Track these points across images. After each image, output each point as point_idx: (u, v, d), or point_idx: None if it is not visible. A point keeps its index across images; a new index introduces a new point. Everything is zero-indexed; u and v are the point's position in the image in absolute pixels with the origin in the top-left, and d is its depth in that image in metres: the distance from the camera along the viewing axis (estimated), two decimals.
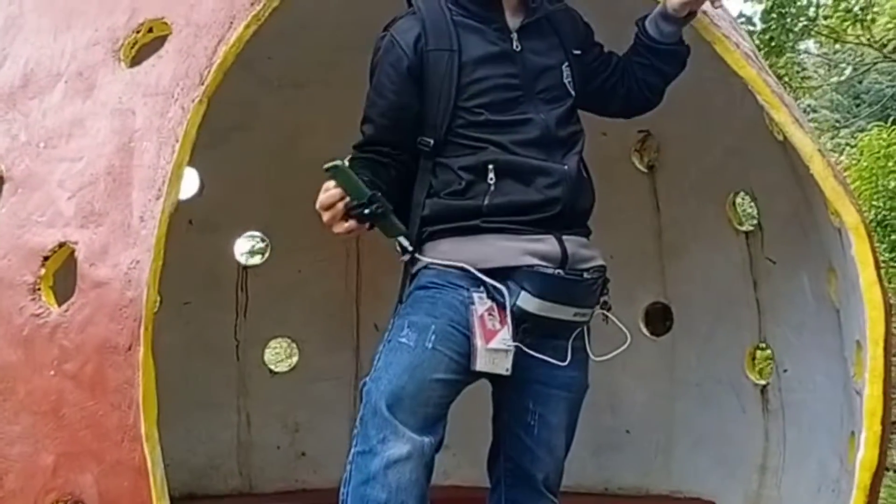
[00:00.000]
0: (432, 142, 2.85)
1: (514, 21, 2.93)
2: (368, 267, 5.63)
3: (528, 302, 2.76)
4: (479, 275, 2.77)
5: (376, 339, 5.65)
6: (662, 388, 4.88)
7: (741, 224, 4.67)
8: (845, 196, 3.11)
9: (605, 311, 2.97)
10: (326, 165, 2.61)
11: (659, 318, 4.97)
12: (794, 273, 4.24)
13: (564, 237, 2.82)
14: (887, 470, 5.72)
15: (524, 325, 2.79)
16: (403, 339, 2.75)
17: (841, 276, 3.60)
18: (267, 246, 5.86)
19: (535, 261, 2.76)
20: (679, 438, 4.68)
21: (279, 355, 7.33)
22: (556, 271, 2.77)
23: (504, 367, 2.74)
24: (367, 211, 2.60)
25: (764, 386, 4.58)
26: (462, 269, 2.78)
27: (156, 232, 2.89)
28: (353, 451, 2.72)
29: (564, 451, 2.99)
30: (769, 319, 4.51)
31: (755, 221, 4.59)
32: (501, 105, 2.82)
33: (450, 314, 2.75)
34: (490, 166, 2.79)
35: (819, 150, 3.10)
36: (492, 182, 2.79)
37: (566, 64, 2.95)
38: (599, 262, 2.91)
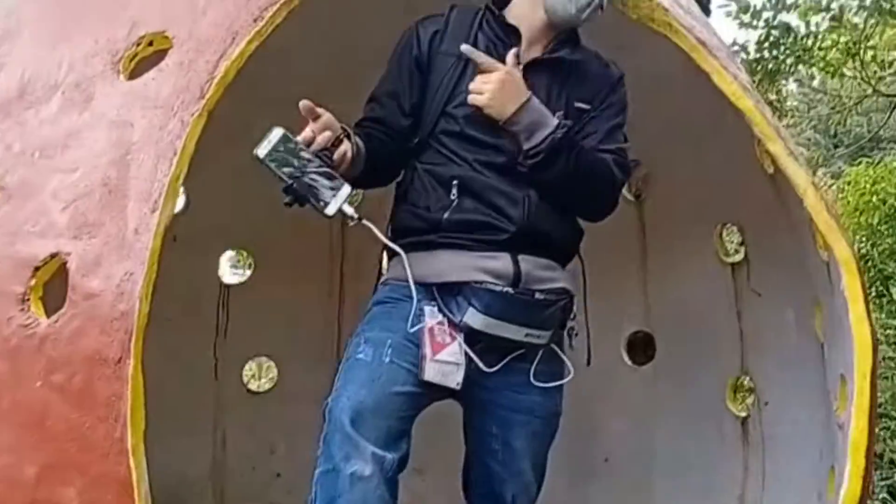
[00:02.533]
0: (417, 140, 2.93)
1: (528, 54, 2.96)
2: (352, 288, 5.62)
3: (474, 318, 2.78)
4: (433, 290, 2.82)
5: None
6: (643, 417, 4.88)
7: (728, 255, 4.70)
8: (838, 230, 3.14)
9: (569, 335, 2.99)
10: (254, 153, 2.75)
11: (641, 347, 4.98)
12: (779, 306, 4.27)
13: (521, 257, 2.83)
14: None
15: (479, 344, 2.81)
16: (361, 356, 2.79)
17: (827, 310, 3.62)
18: (250, 264, 5.84)
19: (485, 277, 2.78)
20: (658, 468, 4.68)
21: (258, 375, 7.29)
22: (505, 289, 2.79)
23: (454, 380, 2.76)
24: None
25: (745, 418, 4.59)
26: (417, 283, 2.81)
27: (150, 245, 2.88)
28: (317, 471, 2.73)
29: (534, 478, 2.99)
30: (752, 351, 4.53)
31: (742, 254, 4.61)
32: (480, 123, 2.83)
33: (405, 327, 2.78)
34: (454, 182, 2.84)
35: (813, 184, 3.13)
36: (454, 198, 2.84)
37: (561, 112, 2.93)
38: (559, 284, 2.90)
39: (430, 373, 2.74)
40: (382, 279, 2.98)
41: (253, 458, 5.45)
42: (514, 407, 2.91)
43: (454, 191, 2.83)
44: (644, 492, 4.85)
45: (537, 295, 2.83)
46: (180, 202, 5.15)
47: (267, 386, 5.94)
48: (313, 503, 2.72)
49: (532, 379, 2.91)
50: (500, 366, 2.87)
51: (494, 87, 2.78)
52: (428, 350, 2.74)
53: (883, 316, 8.30)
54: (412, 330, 2.78)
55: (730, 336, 4.59)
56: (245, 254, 5.91)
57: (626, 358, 4.95)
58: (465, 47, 2.83)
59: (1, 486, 3.00)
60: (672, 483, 4.72)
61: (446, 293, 2.82)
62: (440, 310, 2.80)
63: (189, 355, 5.32)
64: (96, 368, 2.87)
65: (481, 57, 2.83)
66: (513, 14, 3.00)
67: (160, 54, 3.10)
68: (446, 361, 2.75)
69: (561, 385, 3.00)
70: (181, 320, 5.27)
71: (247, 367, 5.87)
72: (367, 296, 5.55)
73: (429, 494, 5.03)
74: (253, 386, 6.09)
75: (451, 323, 2.79)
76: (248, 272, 5.80)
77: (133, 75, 3.13)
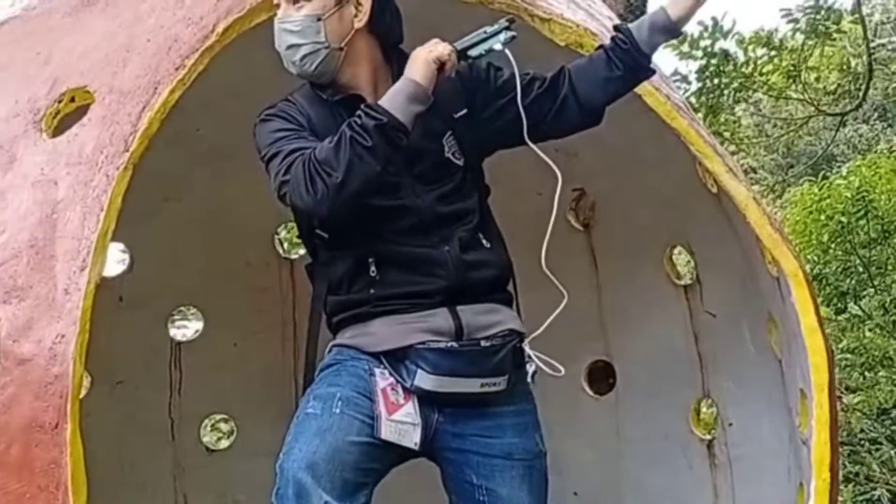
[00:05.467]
0: (327, 235, 2.83)
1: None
2: (305, 338, 5.54)
3: (424, 380, 2.71)
4: (379, 356, 2.76)
5: None
6: (608, 447, 4.83)
7: (679, 278, 4.68)
8: (783, 243, 3.13)
9: (532, 379, 2.89)
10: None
11: (602, 377, 4.93)
12: (734, 325, 4.26)
13: (459, 308, 2.77)
14: None
15: (436, 400, 2.75)
16: (310, 410, 2.73)
17: (781, 325, 3.61)
18: (200, 320, 5.75)
19: (427, 337, 2.72)
20: (628, 497, 4.62)
21: (216, 433, 7.18)
22: (450, 344, 2.72)
23: (412, 440, 2.71)
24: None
25: (710, 441, 4.55)
26: (362, 351, 2.77)
27: (81, 304, 2.81)
28: None
29: None
30: (712, 373, 4.50)
31: (693, 275, 4.60)
32: (381, 192, 2.72)
33: (354, 381, 2.74)
34: (370, 259, 2.77)
35: (754, 198, 3.12)
36: (374, 274, 2.77)
37: (448, 134, 2.85)
38: (506, 326, 2.82)
39: (386, 432, 2.68)
40: (329, 345, 2.90)
41: None
42: (490, 452, 2.80)
43: (372, 267, 2.77)
44: None
45: (483, 343, 2.75)
46: (124, 263, 5.09)
47: (225, 444, 5.82)
48: None
49: (500, 421, 2.82)
50: (464, 414, 2.79)
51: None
52: (382, 409, 2.69)
53: (845, 338, 8.35)
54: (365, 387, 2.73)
55: (688, 359, 4.57)
56: (194, 310, 5.81)
57: (587, 388, 4.89)
58: None
59: None
60: None
61: (392, 359, 2.75)
62: (391, 374, 2.75)
63: (144, 417, 5.23)
64: (33, 435, 2.80)
65: None
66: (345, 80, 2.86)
67: (82, 109, 3.06)
68: (402, 421, 2.70)
69: (537, 422, 2.92)
70: (134, 382, 5.20)
71: (203, 424, 5.77)
72: (322, 345, 5.51)
73: None
74: (211, 444, 5.97)
75: (402, 387, 2.74)
76: (199, 329, 5.71)
77: (56, 132, 3.09)
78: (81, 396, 2.84)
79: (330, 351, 2.88)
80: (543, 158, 2.79)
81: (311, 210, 2.64)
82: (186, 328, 6.28)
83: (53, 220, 2.89)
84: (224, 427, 6.82)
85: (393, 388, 2.73)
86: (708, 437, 4.60)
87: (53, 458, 2.76)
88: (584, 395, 4.87)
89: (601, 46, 2.90)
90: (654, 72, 2.92)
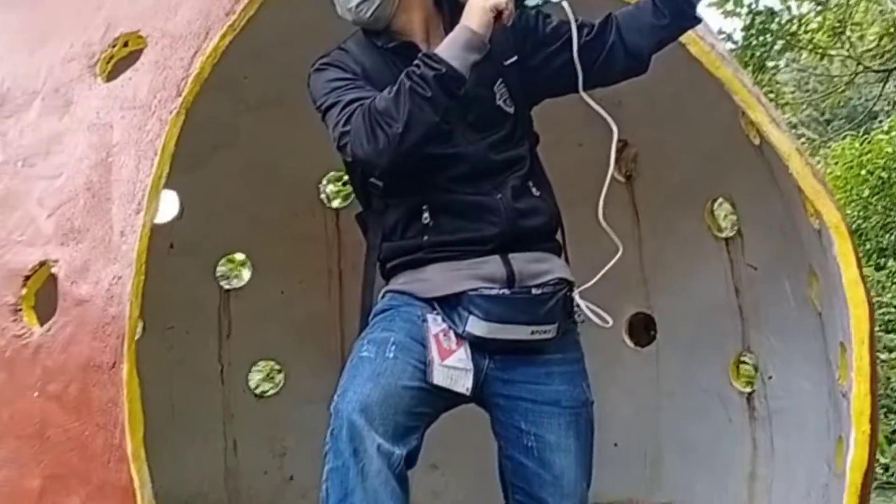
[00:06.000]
0: (382, 184, 2.84)
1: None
2: (351, 285, 5.60)
3: (476, 326, 2.73)
4: (433, 302, 2.78)
5: None
6: (648, 399, 4.87)
7: (721, 231, 4.67)
8: (825, 195, 3.12)
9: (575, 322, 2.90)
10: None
11: (642, 329, 4.96)
12: (775, 278, 4.24)
13: (511, 255, 2.78)
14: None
15: (486, 347, 2.78)
16: (364, 354, 2.75)
17: (822, 278, 3.60)
18: (249, 268, 5.84)
19: (479, 284, 2.74)
20: (667, 450, 4.66)
21: (264, 378, 7.28)
22: (502, 291, 2.74)
23: (464, 385, 2.73)
24: None
25: (749, 394, 4.56)
26: (415, 297, 2.80)
27: (137, 246, 2.86)
28: (326, 468, 2.68)
29: (579, 474, 2.89)
30: (752, 326, 4.50)
31: (735, 228, 4.59)
32: (435, 140, 2.73)
33: (407, 327, 2.76)
34: (424, 206, 2.80)
35: (797, 150, 3.11)
36: (427, 221, 2.80)
37: (499, 82, 2.87)
38: (556, 275, 2.84)
39: (439, 377, 2.69)
40: (382, 290, 2.92)
41: (264, 463, 5.44)
42: (539, 399, 2.83)
43: (426, 215, 2.80)
44: (654, 475, 4.84)
45: (534, 290, 2.77)
46: (174, 209, 5.17)
47: (273, 390, 5.92)
48: (325, 502, 2.68)
49: (550, 368, 2.85)
50: (514, 361, 2.82)
51: None
52: (435, 355, 2.71)
53: (889, 295, 8.27)
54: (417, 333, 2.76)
55: (729, 312, 4.56)
56: (242, 257, 5.90)
57: (627, 341, 4.92)
58: None
59: (5, 499, 2.99)
60: (682, 464, 4.70)
61: (445, 305, 2.77)
62: (443, 320, 2.77)
63: (194, 363, 5.34)
64: (91, 375, 2.85)
65: None
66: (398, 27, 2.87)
67: (135, 54, 3.10)
68: (454, 367, 2.71)
69: (584, 371, 2.94)
70: (183, 328, 5.29)
71: (252, 371, 5.87)
72: None
73: (445, 490, 5.03)
74: (260, 390, 6.08)
75: (454, 333, 2.76)
76: (247, 276, 5.80)
77: (110, 77, 3.13)
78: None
79: (383, 296, 2.90)
80: (598, 111, 2.79)
81: (371, 160, 2.67)
82: (235, 276, 6.38)
83: (109, 164, 2.94)
84: (272, 374, 6.93)
85: (445, 335, 2.75)
86: (748, 390, 4.60)
87: (111, 397, 2.81)
88: (625, 347, 4.91)
89: None
90: (699, 20, 2.90)
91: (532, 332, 2.77)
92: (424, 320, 2.76)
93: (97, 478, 2.84)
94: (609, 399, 4.81)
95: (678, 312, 4.79)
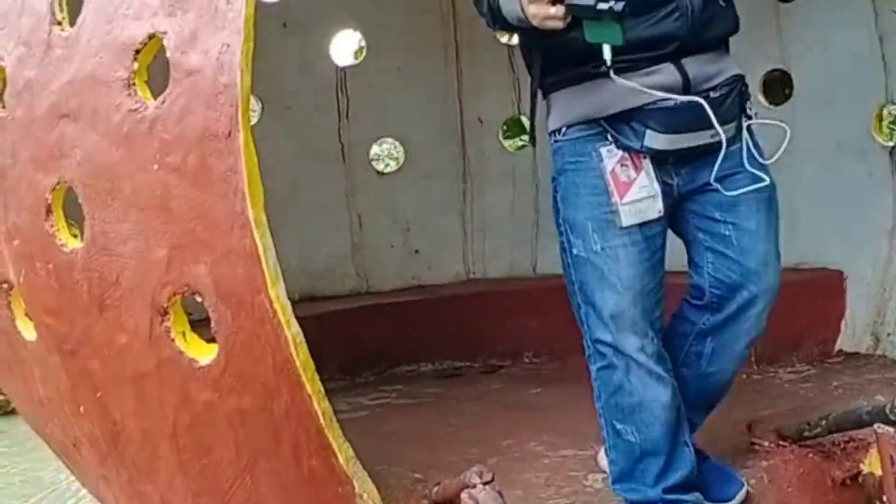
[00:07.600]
0: None
1: None
2: (468, 59, 5.49)
3: (656, 140, 2.62)
4: (601, 123, 2.67)
5: (481, 133, 5.59)
6: (783, 158, 4.67)
7: None
8: None
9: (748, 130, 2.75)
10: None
11: (778, 87, 4.72)
12: None
13: (684, 61, 2.62)
14: None
15: (668, 161, 2.68)
16: (576, 251, 2.76)
17: None
18: (363, 44, 5.76)
19: (656, 94, 2.57)
20: (803, 208, 4.46)
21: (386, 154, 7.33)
22: (679, 102, 2.58)
23: (655, 209, 2.67)
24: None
25: (893, 148, 4.36)
26: (586, 123, 2.69)
27: (244, 12, 2.77)
28: (593, 368, 2.80)
29: (773, 256, 2.79)
30: None
31: None
32: None
33: (589, 191, 2.70)
34: None
35: None
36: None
37: None
38: (728, 74, 2.68)
39: (627, 218, 2.66)
40: (554, 127, 2.79)
41: (389, 237, 5.54)
42: (733, 187, 2.70)
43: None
44: (789, 233, 4.68)
45: (711, 94, 2.62)
46: None
47: (394, 166, 5.94)
48: (599, 398, 2.82)
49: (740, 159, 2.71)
50: (699, 166, 2.70)
51: None
52: (616, 197, 2.65)
53: None
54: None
55: (871, 63, 4.31)
56: (357, 33, 5.80)
57: (762, 99, 4.69)
58: None
59: (135, 271, 3.05)
60: (818, 222, 4.53)
61: (618, 122, 2.65)
62: (617, 144, 2.66)
63: (314, 142, 5.36)
64: (208, 144, 2.82)
65: None
66: None
67: None
68: (637, 199, 2.65)
69: (762, 155, 2.78)
70: (303, 107, 5.29)
71: (372, 148, 5.88)
72: (484, 63, 5.44)
73: None
74: (381, 166, 6.10)
75: (632, 153, 2.66)
76: (363, 53, 5.72)
77: None
78: (253, 123, 2.85)
79: (557, 142, 2.80)
80: None
81: None
82: (349, 52, 6.31)
83: None
84: (393, 151, 6.95)
85: (623, 164, 2.65)
86: (890, 143, 4.40)
87: (229, 165, 2.78)
88: (760, 106, 4.66)
89: None
90: None
91: (712, 136, 2.61)
92: (600, 158, 2.67)
93: (222, 245, 2.84)
94: None
95: (816, 66, 4.54)
